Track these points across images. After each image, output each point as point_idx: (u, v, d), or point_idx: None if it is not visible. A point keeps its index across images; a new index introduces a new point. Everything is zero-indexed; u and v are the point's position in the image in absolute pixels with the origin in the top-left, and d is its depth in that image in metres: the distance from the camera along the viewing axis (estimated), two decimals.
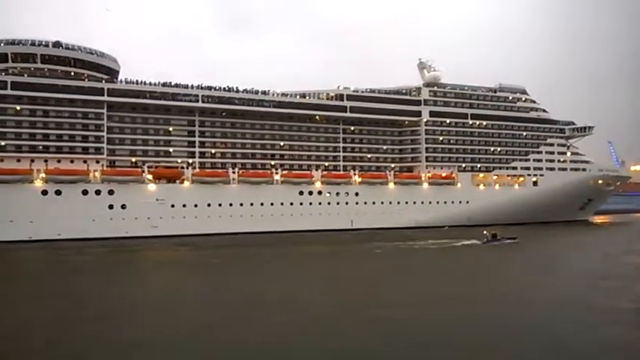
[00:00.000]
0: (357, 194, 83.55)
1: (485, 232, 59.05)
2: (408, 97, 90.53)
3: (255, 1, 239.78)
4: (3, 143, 66.59)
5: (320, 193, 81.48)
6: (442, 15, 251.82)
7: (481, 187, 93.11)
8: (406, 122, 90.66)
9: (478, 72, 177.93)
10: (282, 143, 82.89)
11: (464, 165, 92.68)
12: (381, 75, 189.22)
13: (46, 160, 67.94)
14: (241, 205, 76.34)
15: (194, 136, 77.61)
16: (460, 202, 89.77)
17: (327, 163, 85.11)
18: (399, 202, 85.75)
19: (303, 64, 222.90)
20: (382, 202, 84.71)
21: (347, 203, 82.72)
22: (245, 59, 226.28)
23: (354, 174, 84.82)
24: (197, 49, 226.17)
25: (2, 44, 68.09)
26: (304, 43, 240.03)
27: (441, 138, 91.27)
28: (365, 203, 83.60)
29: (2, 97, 66.51)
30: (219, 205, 75.03)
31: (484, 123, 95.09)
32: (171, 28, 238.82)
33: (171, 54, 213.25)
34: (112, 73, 74.38)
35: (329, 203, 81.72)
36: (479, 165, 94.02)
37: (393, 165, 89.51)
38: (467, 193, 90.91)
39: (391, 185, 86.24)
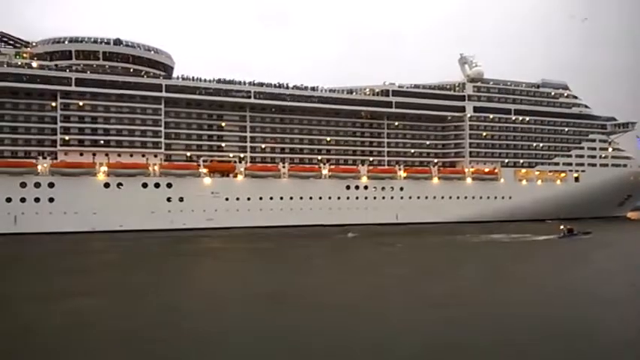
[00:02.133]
0: (401, 189, 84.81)
1: (561, 227, 59.79)
2: (452, 93, 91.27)
3: None
4: (67, 138, 69.27)
5: (366, 187, 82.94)
6: (481, 12, 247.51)
7: (523, 182, 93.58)
8: (449, 117, 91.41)
9: (519, 68, 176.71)
10: (328, 138, 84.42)
11: (507, 160, 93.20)
12: (412, 69, 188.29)
13: (107, 154, 70.49)
14: (291, 198, 78.17)
15: (245, 132, 79.53)
16: (503, 198, 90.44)
17: (371, 158, 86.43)
18: (442, 197, 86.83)
19: (330, 59, 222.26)
20: (426, 197, 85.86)
21: (392, 198, 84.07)
22: (275, 55, 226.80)
23: (399, 169, 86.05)
24: (226, 44, 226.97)
25: (66, 42, 70.68)
26: (332, 39, 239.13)
27: (484, 133, 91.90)
28: (410, 198, 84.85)
29: (66, 93, 69.14)
30: (271, 198, 76.97)
31: (527, 118, 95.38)
32: (200, 21, 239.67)
33: (195, 47, 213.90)
34: (168, 70, 76.62)
35: (374, 197, 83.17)
36: (521, 160, 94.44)
37: (436, 160, 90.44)
38: (509, 188, 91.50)
39: (435, 180, 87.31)
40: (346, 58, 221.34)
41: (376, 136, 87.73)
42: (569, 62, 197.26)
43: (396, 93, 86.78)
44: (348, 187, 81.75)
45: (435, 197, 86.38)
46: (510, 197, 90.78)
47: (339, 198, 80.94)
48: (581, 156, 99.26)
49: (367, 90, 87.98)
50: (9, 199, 64.61)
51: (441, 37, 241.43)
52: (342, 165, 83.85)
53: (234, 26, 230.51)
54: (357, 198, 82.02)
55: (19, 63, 68.45)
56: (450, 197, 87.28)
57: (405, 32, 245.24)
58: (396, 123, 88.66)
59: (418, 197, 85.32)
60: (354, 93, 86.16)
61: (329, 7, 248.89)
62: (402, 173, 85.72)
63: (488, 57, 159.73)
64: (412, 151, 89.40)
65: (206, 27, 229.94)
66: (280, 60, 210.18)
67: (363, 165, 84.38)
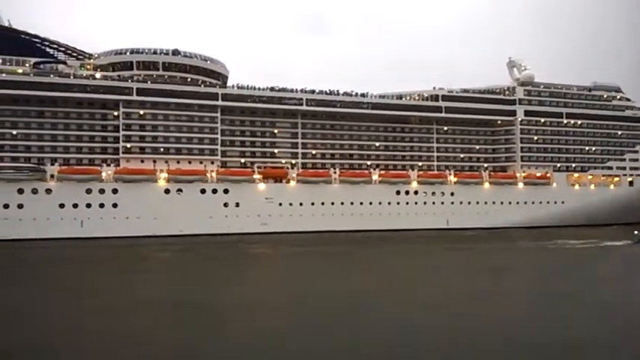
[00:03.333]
0: (452, 194, 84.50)
1: (635, 232, 59.41)
2: (502, 97, 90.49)
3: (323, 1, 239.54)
4: (129, 145, 71.89)
5: (416, 192, 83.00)
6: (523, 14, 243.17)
7: (576, 187, 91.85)
8: (499, 122, 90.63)
9: (568, 70, 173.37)
10: (377, 144, 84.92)
11: (558, 165, 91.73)
12: (448, 74, 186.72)
13: (166, 161, 72.81)
14: (342, 203, 78.90)
15: (297, 138, 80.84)
16: (555, 203, 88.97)
17: (420, 163, 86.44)
18: (493, 202, 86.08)
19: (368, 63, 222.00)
20: (477, 202, 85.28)
21: (442, 203, 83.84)
22: (315, 61, 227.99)
23: (449, 174, 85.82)
24: (269, 52, 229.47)
25: (127, 53, 73.49)
26: (368, 43, 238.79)
27: (535, 137, 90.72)
28: (460, 203, 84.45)
29: (128, 103, 71.80)
30: (322, 203, 77.89)
31: (579, 122, 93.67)
32: (235, 24, 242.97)
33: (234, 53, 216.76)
34: (223, 79, 78.67)
35: (425, 203, 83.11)
36: (574, 165, 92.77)
37: (486, 165, 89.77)
38: (562, 193, 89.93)
39: (486, 185, 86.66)
40: (387, 62, 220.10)
41: (425, 141, 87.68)
42: (619, 65, 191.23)
43: (445, 98, 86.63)
44: (398, 193, 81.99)
45: (486, 202, 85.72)
46: (563, 202, 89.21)
47: (389, 203, 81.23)
48: (636, 160, 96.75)
49: (416, 95, 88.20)
50: (75, 205, 67.50)
51: (479, 38, 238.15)
52: (391, 170, 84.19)
53: (276, 35, 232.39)
54: (407, 203, 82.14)
55: (85, 74, 71.52)
56: (502, 202, 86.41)
57: (444, 36, 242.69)
58: (446, 128, 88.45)
59: (469, 202, 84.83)
60: (403, 98, 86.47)
61: (368, 13, 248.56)
62: (452, 178, 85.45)
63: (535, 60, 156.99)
64: (462, 155, 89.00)
65: (248, 35, 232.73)
66: (320, 66, 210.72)
67: (412, 170, 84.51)
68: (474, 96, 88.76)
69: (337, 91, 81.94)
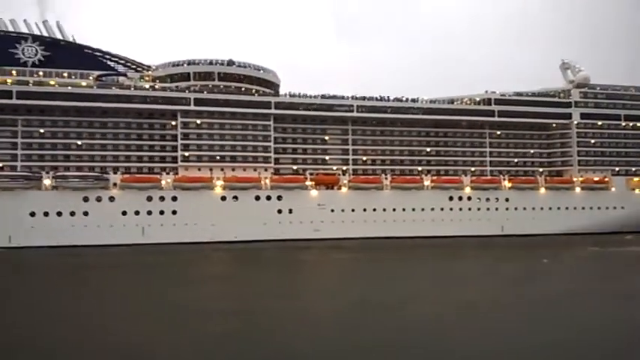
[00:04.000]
0: (507, 199, 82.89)
1: None
2: (557, 100, 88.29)
3: (360, 6, 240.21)
4: (187, 154, 74.02)
5: (469, 198, 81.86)
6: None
7: (636, 191, 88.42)
8: (554, 125, 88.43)
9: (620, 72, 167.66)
10: (428, 149, 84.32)
11: (617, 169, 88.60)
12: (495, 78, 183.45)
13: (222, 169, 74.54)
14: (394, 210, 78.63)
15: (347, 144, 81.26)
16: (615, 208, 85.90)
17: (473, 168, 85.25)
18: (550, 208, 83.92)
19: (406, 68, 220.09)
20: (533, 208, 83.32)
21: (497, 209, 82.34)
22: (350, 64, 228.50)
23: (504, 179, 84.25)
24: (301, 56, 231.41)
25: (185, 64, 75.77)
26: (406, 47, 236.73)
27: (593, 141, 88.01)
28: (515, 209, 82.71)
29: (185, 112, 73.99)
30: (374, 210, 77.86)
31: (638, 124, 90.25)
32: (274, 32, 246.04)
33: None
34: (275, 87, 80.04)
35: (478, 209, 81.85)
36: (634, 168, 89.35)
37: (541, 169, 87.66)
38: (621, 197, 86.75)
39: (542, 190, 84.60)
40: (428, 64, 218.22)
41: (477, 145, 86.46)
42: None
43: (498, 101, 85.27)
44: (450, 198, 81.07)
45: (542, 208, 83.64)
46: (623, 207, 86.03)
47: (441, 209, 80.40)
48: None
49: (467, 99, 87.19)
50: (137, 212, 69.94)
51: (527, 39, 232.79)
52: (443, 176, 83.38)
53: (313, 41, 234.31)
54: (460, 209, 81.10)
55: (144, 86, 74.22)
56: (558, 208, 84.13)
57: (488, 37, 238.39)
58: (498, 132, 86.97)
59: (524, 208, 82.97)
60: (455, 103, 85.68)
61: (405, 16, 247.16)
62: (506, 183, 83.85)
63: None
64: (516, 160, 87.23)
65: (286, 42, 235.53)
66: (359, 71, 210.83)
67: (465, 175, 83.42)
68: (528, 99, 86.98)
69: (387, 97, 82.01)
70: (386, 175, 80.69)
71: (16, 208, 65.76)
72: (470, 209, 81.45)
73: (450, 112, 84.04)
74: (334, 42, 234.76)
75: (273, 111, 76.36)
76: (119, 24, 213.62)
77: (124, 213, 69.31)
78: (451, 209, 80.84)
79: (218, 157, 74.71)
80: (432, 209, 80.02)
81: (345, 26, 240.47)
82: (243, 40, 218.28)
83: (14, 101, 68.78)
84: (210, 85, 75.21)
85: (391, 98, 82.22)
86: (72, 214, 68.10)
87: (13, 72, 70.96)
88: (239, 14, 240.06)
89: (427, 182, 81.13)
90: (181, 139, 73.86)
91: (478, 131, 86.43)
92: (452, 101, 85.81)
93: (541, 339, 22.35)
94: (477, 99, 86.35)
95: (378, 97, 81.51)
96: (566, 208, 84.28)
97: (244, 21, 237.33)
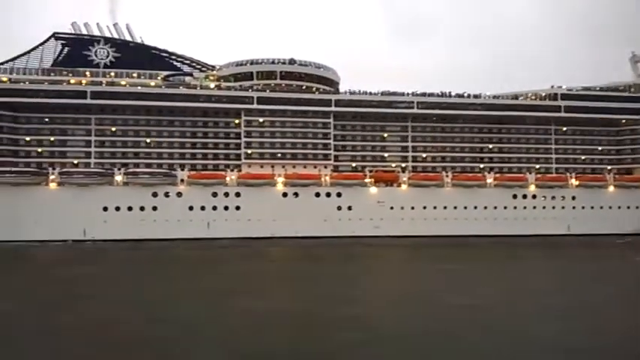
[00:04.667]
0: (573, 198, 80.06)
1: None
2: (627, 94, 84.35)
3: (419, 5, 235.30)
4: (250, 151, 75.75)
5: (534, 196, 79.59)
6: None
7: None
8: (624, 121, 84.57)
9: None
10: (490, 146, 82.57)
11: None
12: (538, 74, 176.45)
13: (283, 166, 75.81)
14: (455, 208, 77.51)
15: (407, 141, 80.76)
16: None
17: (537, 166, 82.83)
18: (619, 207, 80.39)
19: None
20: (601, 207, 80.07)
21: (563, 207, 79.69)
22: (409, 62, 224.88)
23: (570, 176, 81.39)
24: (358, 53, 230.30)
25: (248, 64, 77.53)
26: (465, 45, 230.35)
27: None
28: (582, 208, 79.75)
29: (249, 111, 75.72)
30: (434, 207, 77.02)
31: None
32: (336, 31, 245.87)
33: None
34: (335, 85, 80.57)
35: (544, 207, 79.48)
36: None
37: (609, 167, 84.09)
38: None
39: (611, 188, 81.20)
40: (489, 62, 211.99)
41: (542, 142, 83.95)
42: None
43: (565, 97, 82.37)
44: (514, 197, 79.09)
45: (610, 207, 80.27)
46: None
47: (505, 207, 78.57)
48: None
49: (531, 95, 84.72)
50: (203, 208, 72.21)
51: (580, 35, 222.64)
52: (506, 173, 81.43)
53: (370, 39, 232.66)
54: (524, 208, 78.99)
55: (211, 86, 76.45)
56: (628, 207, 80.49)
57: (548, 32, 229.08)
58: (565, 128, 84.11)
59: (592, 207, 79.86)
60: (519, 98, 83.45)
61: (463, 14, 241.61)
62: (573, 181, 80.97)
63: None
64: (583, 157, 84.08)
65: (343, 40, 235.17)
66: (419, 68, 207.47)
67: (529, 173, 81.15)
68: (597, 94, 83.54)
69: (449, 92, 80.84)
70: (446, 172, 79.64)
71: (90, 203, 69.22)
72: (535, 208, 79.19)
73: (514, 107, 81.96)
74: (391, 41, 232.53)
75: (333, 108, 76.94)
76: (184, 25, 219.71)
77: (191, 208, 71.71)
78: (515, 208, 78.88)
79: (279, 155, 76.05)
80: (495, 207, 78.33)
81: (401, 25, 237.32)
82: (303, 40, 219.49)
83: (88, 101, 72.36)
84: (273, 84, 76.60)
85: (452, 94, 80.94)
86: (142, 209, 71.08)
87: (87, 73, 74.77)
88: (299, 14, 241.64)
89: (490, 180, 79.46)
90: (244, 136, 75.67)
91: (543, 127, 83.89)
92: (516, 97, 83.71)
93: None
94: (543, 94, 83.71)
95: (439, 93, 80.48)
96: (637, 207, 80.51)
97: (304, 20, 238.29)
